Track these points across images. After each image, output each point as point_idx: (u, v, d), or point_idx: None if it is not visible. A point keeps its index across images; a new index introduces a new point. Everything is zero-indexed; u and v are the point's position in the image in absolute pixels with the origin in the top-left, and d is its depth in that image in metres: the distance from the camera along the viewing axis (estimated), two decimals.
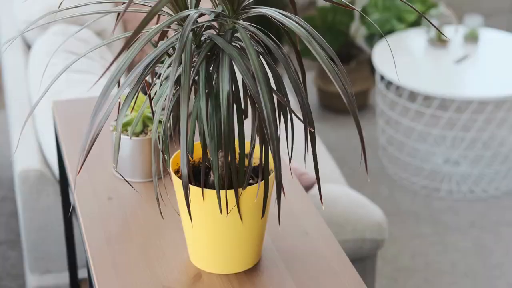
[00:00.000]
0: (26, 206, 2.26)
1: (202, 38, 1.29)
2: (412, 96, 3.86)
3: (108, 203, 1.61)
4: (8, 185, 3.35)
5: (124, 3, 1.15)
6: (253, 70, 1.20)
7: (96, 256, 1.47)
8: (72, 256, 2.21)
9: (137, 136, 1.67)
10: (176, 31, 1.30)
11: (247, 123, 1.32)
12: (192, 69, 1.24)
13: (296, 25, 1.23)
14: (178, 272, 1.43)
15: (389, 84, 3.81)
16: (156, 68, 1.34)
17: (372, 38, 4.04)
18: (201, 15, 1.23)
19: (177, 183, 1.36)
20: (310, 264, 1.46)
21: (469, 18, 3.69)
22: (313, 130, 1.26)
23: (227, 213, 1.33)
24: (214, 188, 1.31)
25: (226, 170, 1.30)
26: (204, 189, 1.32)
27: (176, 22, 1.27)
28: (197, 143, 1.42)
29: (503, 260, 3.08)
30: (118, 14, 1.23)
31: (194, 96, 1.28)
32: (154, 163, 1.30)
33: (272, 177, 1.36)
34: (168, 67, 1.29)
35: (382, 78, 3.70)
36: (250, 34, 1.27)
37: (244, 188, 1.32)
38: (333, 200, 2.41)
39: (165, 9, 1.31)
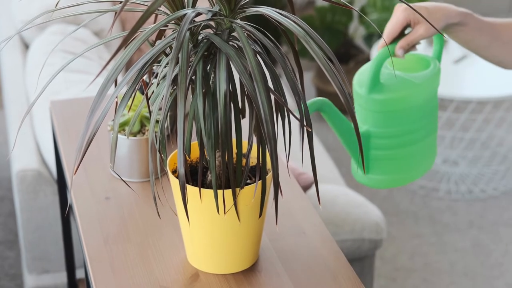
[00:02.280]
0: (23, 206, 2.26)
1: (199, 38, 1.28)
2: None
3: (105, 203, 1.61)
4: (6, 185, 3.34)
5: (121, 2, 1.14)
6: (250, 69, 1.20)
7: (94, 256, 1.47)
8: (70, 256, 2.21)
9: (134, 135, 1.67)
10: (173, 31, 1.29)
11: (245, 123, 1.32)
12: (189, 68, 1.24)
13: (294, 24, 1.22)
14: (175, 272, 1.43)
15: None
16: (153, 67, 1.34)
17: (371, 38, 4.04)
18: (198, 14, 1.23)
19: (175, 183, 1.36)
20: (308, 264, 1.46)
21: None
22: (310, 130, 1.26)
23: (225, 213, 1.33)
24: (212, 188, 1.30)
25: (223, 169, 1.30)
26: (202, 189, 1.32)
27: (173, 22, 1.27)
28: (194, 143, 1.42)
29: (502, 260, 3.08)
30: (116, 13, 1.22)
31: (191, 96, 1.28)
32: (151, 163, 1.30)
33: (269, 177, 1.36)
34: (165, 67, 1.29)
35: None
36: (247, 34, 1.27)
37: (242, 188, 1.32)
38: (331, 200, 2.41)
39: (162, 8, 1.31)
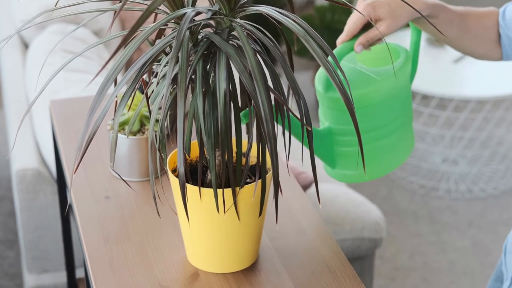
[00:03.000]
0: (23, 205, 2.26)
1: (199, 37, 1.28)
2: None
3: (105, 202, 1.61)
4: (5, 185, 3.34)
5: (120, 1, 1.14)
6: (250, 68, 1.20)
7: (93, 255, 1.47)
8: (69, 255, 2.21)
9: (134, 135, 1.67)
10: (173, 30, 1.29)
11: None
12: (189, 67, 1.24)
13: (293, 23, 1.22)
14: (175, 271, 1.43)
15: None
16: (153, 66, 1.34)
17: None
18: (198, 13, 1.23)
19: (174, 182, 1.36)
20: (308, 263, 1.46)
21: None
22: (310, 129, 1.26)
23: (225, 212, 1.33)
24: (212, 187, 1.30)
25: (223, 168, 1.30)
26: (202, 188, 1.32)
27: (173, 21, 1.27)
28: (194, 142, 1.42)
29: None
30: (115, 12, 1.22)
31: (191, 95, 1.28)
32: (151, 162, 1.30)
33: (269, 176, 1.36)
34: (165, 66, 1.29)
35: None
36: (247, 33, 1.27)
37: (242, 187, 1.32)
38: (331, 199, 2.41)
39: (162, 7, 1.31)
